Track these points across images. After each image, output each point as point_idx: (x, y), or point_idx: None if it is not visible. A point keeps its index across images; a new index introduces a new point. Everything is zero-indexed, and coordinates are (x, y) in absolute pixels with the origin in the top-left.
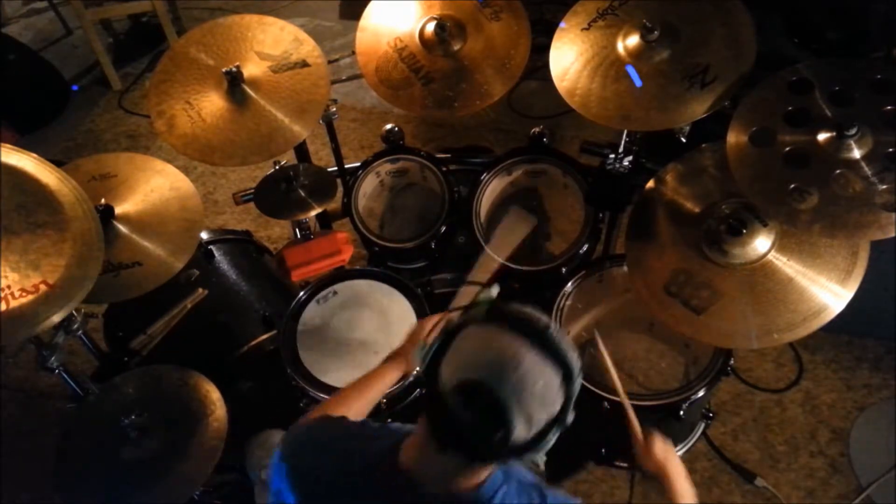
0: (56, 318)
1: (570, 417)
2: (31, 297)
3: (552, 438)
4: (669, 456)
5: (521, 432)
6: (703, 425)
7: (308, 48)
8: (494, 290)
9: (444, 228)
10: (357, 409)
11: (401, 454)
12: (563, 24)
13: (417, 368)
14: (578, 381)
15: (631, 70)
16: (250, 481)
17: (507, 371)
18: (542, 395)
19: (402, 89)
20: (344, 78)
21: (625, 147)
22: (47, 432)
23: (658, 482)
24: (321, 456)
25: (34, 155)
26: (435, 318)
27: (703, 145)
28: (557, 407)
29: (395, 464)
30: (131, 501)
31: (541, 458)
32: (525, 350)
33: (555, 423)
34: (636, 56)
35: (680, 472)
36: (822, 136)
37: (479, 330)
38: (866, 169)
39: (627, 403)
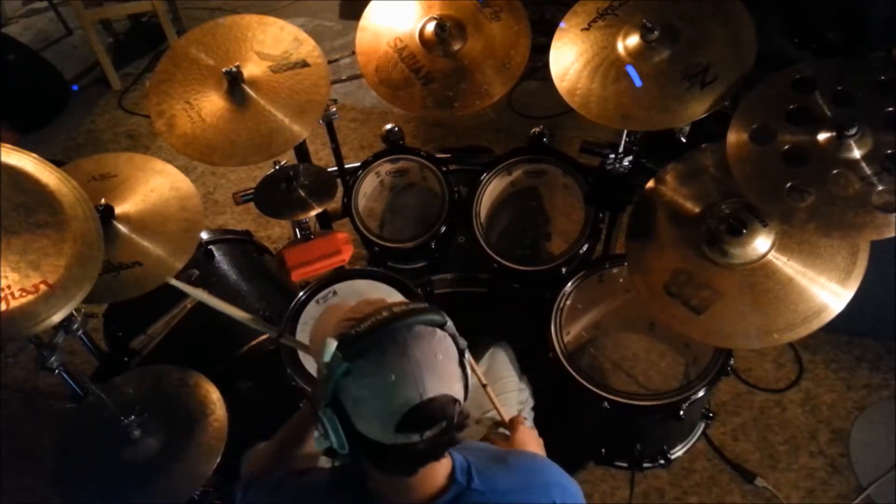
0: (56, 318)
1: (463, 343)
2: (31, 297)
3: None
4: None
5: (461, 392)
6: (703, 425)
7: (308, 48)
8: (331, 345)
9: (444, 228)
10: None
11: (370, 483)
12: (563, 24)
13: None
14: (443, 316)
15: (631, 70)
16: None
17: (409, 380)
18: (444, 354)
19: (402, 89)
20: (344, 78)
21: (625, 147)
22: (47, 432)
23: None
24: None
25: (34, 155)
26: None
27: (703, 145)
28: (454, 348)
29: (366, 489)
30: (131, 501)
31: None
32: (398, 353)
33: (460, 355)
34: (636, 56)
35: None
36: (823, 136)
37: (356, 376)
38: (865, 169)
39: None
